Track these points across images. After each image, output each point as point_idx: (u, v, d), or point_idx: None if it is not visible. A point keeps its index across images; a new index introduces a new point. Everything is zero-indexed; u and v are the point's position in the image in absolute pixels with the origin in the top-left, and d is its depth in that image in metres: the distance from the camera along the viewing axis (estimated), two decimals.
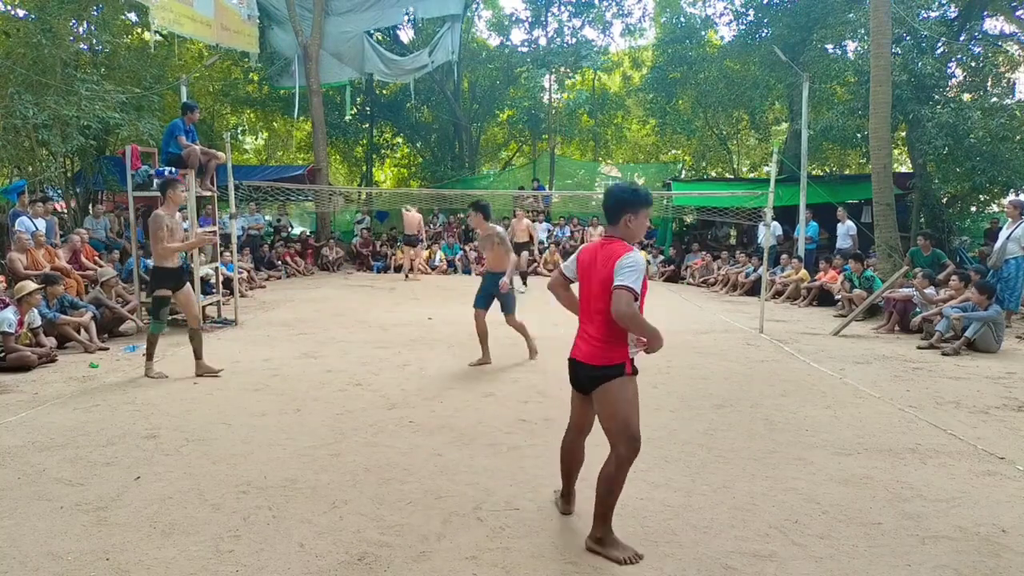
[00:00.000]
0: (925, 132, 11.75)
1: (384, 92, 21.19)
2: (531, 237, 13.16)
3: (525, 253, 12.97)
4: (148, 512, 3.31)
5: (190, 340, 5.97)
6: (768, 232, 9.51)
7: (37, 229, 8.71)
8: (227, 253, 10.15)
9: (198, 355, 5.93)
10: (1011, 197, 10.03)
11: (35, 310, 6.59)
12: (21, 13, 12.55)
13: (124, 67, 13.26)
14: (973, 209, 14.32)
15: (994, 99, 12.51)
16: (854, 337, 8.26)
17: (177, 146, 8.01)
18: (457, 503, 3.45)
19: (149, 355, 5.93)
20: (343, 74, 17.81)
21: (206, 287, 8.73)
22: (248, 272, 12.29)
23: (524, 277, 12.68)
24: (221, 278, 9.40)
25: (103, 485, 3.62)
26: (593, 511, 3.01)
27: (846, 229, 12.66)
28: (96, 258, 9.92)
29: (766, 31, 16.74)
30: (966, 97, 13.00)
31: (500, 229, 6.50)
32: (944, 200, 13.72)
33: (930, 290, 8.48)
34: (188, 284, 6.07)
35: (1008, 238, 8.74)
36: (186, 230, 6.16)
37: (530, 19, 20.43)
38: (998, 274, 8.72)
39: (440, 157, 21.75)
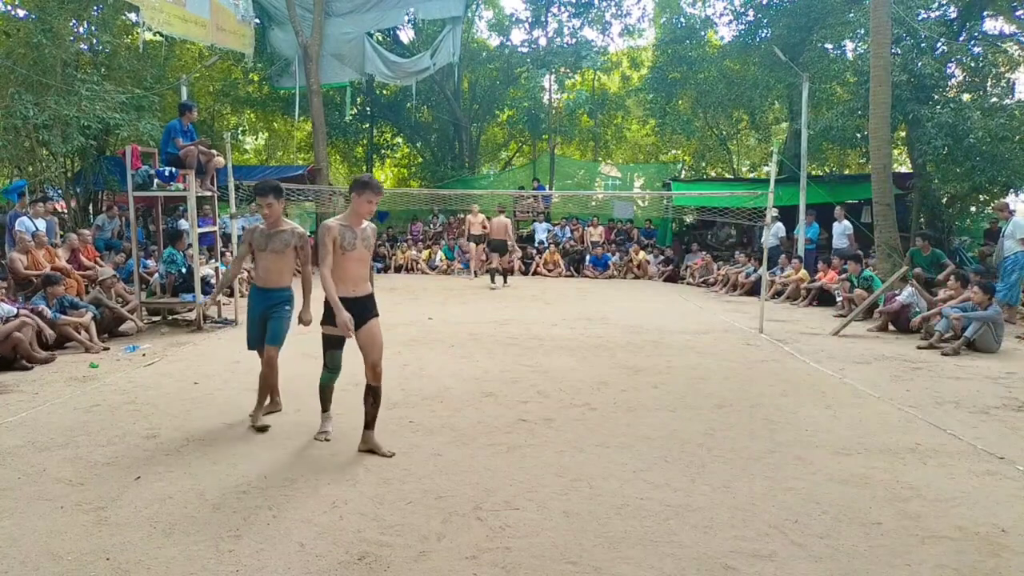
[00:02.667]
0: (925, 132, 11.76)
1: (384, 92, 21.20)
2: (508, 234, 13.78)
3: (507, 255, 13.76)
4: (148, 512, 3.31)
5: (364, 400, 4.18)
6: (768, 232, 9.51)
7: (37, 229, 8.72)
8: (227, 253, 10.15)
9: (369, 423, 4.19)
10: (998, 201, 10.31)
11: (3, 304, 6.51)
12: (21, 13, 12.56)
13: (124, 67, 13.26)
14: (973, 209, 14.35)
15: (994, 99, 12.53)
16: (854, 337, 8.26)
17: (175, 147, 8.02)
18: (457, 503, 3.45)
19: (324, 407, 4.42)
20: (344, 75, 17.81)
21: (206, 287, 8.74)
22: (248, 272, 12.27)
23: (504, 275, 13.41)
24: (222, 278, 9.40)
25: (103, 485, 3.62)
26: None
27: (842, 229, 12.67)
28: (97, 258, 9.92)
29: (766, 31, 16.76)
30: (966, 97, 13.01)
31: (301, 229, 4.72)
32: (944, 200, 13.73)
33: (907, 290, 8.57)
34: (374, 320, 4.18)
35: (1003, 235, 9.07)
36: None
37: (530, 19, 20.44)
38: (999, 268, 8.84)
39: (440, 157, 21.77)
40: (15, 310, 6.49)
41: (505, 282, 13.27)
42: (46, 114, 10.64)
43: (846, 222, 12.68)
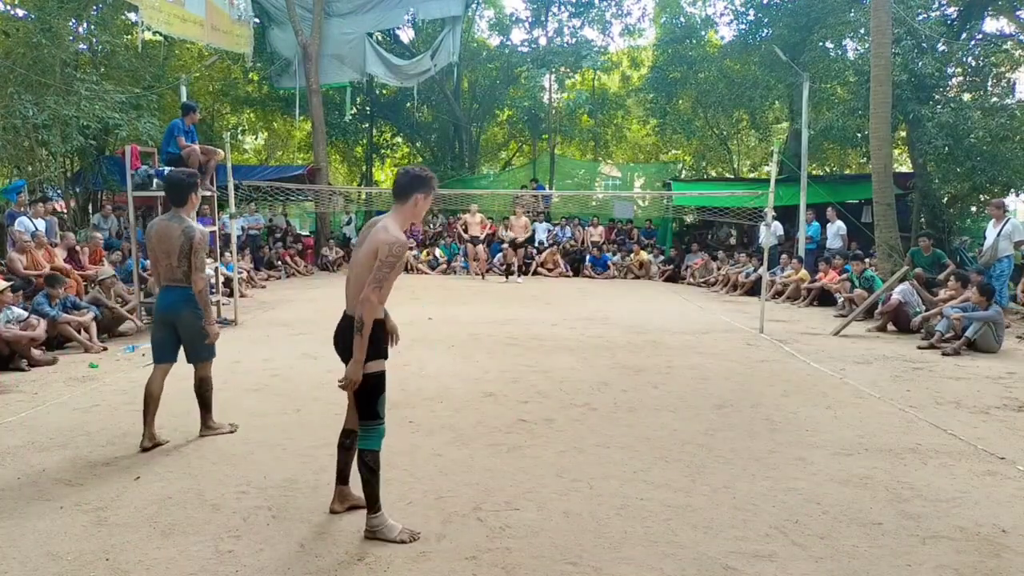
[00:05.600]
0: (925, 132, 11.76)
1: (384, 92, 21.22)
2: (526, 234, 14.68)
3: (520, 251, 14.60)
4: (148, 512, 3.31)
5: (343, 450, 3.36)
6: (768, 232, 9.51)
7: (37, 229, 8.72)
8: (227, 253, 10.15)
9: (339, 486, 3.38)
10: (995, 199, 10.18)
11: (14, 308, 6.54)
12: (21, 13, 12.55)
13: (123, 67, 13.26)
14: (973, 209, 14.34)
15: (994, 99, 12.52)
16: (854, 337, 8.26)
17: (176, 146, 8.00)
18: (457, 503, 3.45)
19: (374, 504, 3.11)
20: (344, 75, 17.82)
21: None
22: (248, 272, 12.29)
23: (518, 270, 14.27)
24: (221, 278, 9.40)
25: (103, 485, 3.62)
26: None
27: (836, 228, 12.69)
28: (104, 258, 9.94)
29: (766, 31, 16.75)
30: (966, 97, 13.01)
31: (200, 227, 4.24)
32: (944, 200, 13.73)
33: (901, 287, 8.61)
34: None
35: (999, 236, 8.93)
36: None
37: (530, 19, 20.45)
38: (989, 272, 8.79)
39: (440, 157, 21.76)
40: (25, 313, 6.52)
41: (519, 278, 13.79)
42: (45, 114, 10.63)
43: (839, 222, 12.71)
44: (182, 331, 4.21)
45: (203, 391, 4.39)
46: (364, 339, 2.92)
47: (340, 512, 3.29)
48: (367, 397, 3.06)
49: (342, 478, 3.29)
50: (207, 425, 4.43)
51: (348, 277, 3.14)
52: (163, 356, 4.28)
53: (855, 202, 14.74)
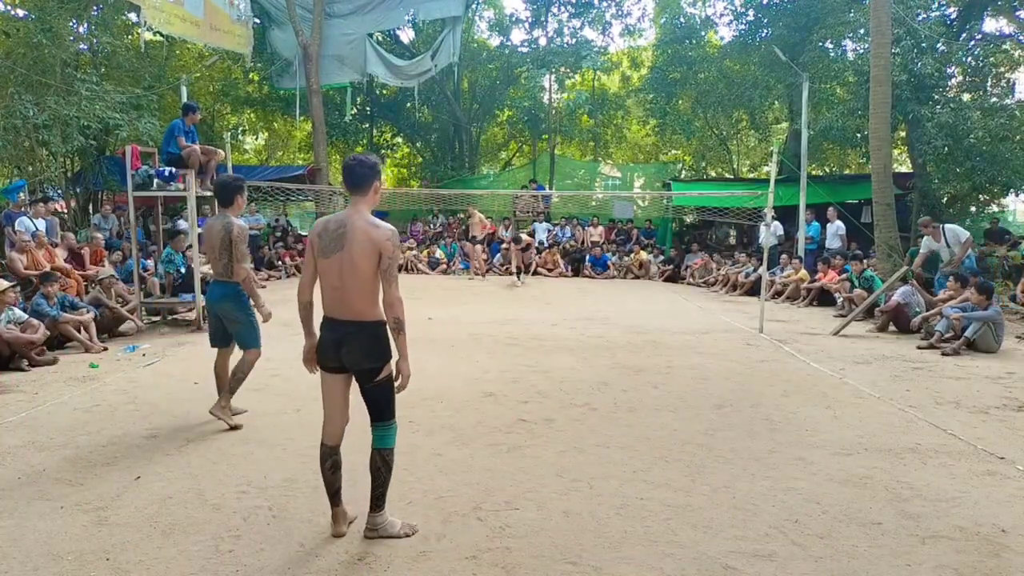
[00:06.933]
0: (925, 132, 11.76)
1: (384, 92, 21.22)
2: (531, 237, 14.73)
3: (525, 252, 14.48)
4: (148, 512, 3.31)
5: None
6: (768, 232, 9.52)
7: (38, 229, 8.72)
8: None
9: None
10: (923, 218, 10.23)
11: (14, 309, 6.55)
12: (21, 13, 12.56)
13: (124, 67, 13.27)
14: (973, 209, 14.35)
15: (994, 99, 12.53)
16: (854, 337, 8.26)
17: (177, 146, 8.01)
18: (457, 503, 3.45)
19: (381, 502, 3.09)
20: (344, 75, 17.82)
21: (205, 287, 8.74)
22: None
23: (520, 271, 14.09)
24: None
25: (103, 485, 3.62)
26: None
27: (835, 228, 12.70)
28: (105, 258, 9.94)
29: (766, 31, 16.75)
30: (966, 97, 13.02)
31: (239, 222, 4.54)
32: (944, 200, 13.74)
33: (902, 288, 8.66)
34: None
35: (947, 245, 9.23)
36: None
37: (530, 19, 20.45)
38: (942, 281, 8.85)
39: (440, 157, 21.77)
40: (24, 315, 6.53)
41: (519, 280, 13.74)
42: (46, 114, 10.64)
43: (839, 222, 12.72)
44: (226, 322, 4.56)
45: (238, 372, 4.59)
46: (405, 336, 2.98)
47: (346, 532, 3.11)
48: (387, 397, 3.04)
49: (336, 500, 3.09)
50: (220, 406, 4.53)
51: (331, 284, 2.96)
52: (215, 342, 4.71)
53: (855, 202, 14.73)
